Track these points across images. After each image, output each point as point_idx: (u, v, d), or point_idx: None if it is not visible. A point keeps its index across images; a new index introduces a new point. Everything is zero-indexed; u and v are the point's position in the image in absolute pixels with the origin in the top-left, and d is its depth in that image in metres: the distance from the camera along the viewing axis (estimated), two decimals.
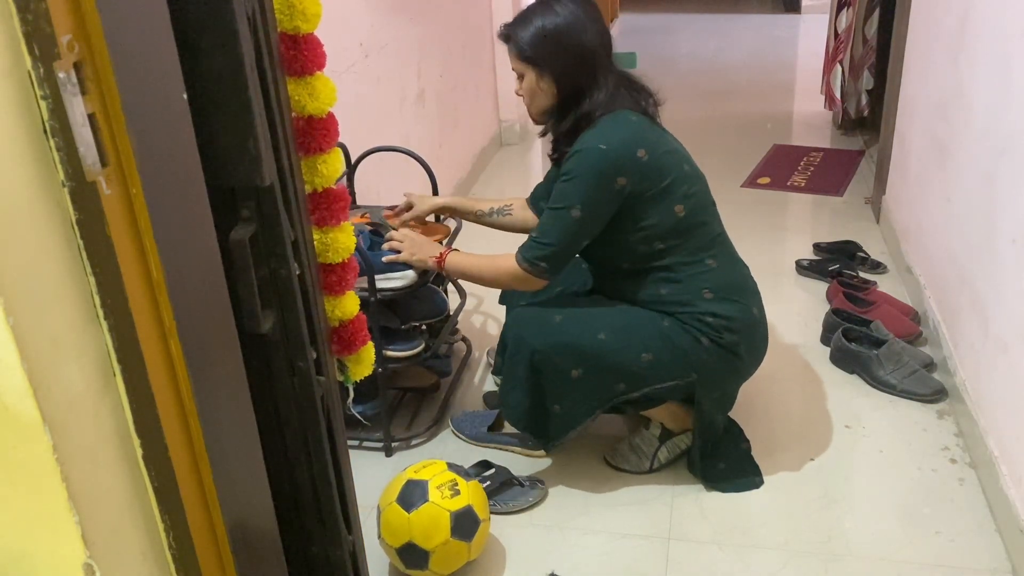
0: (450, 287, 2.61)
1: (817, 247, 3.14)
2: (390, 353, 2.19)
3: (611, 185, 1.84)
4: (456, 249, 2.12)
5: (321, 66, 1.25)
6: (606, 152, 1.84)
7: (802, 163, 3.97)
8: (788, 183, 3.77)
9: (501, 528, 1.98)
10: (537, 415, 2.03)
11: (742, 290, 1.99)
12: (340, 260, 1.35)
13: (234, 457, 1.09)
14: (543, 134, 2.07)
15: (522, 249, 1.94)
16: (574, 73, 1.90)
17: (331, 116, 1.29)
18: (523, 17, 1.93)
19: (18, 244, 0.76)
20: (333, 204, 1.32)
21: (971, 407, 2.12)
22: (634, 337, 1.92)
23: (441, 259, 2.08)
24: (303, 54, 1.21)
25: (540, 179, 2.31)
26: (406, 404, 2.43)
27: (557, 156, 2.01)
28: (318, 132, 1.26)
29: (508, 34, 1.95)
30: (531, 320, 1.99)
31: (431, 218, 2.39)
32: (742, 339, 1.96)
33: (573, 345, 1.92)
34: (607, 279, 2.03)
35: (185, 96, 0.95)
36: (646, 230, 1.90)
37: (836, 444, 2.20)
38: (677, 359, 1.92)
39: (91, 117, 0.79)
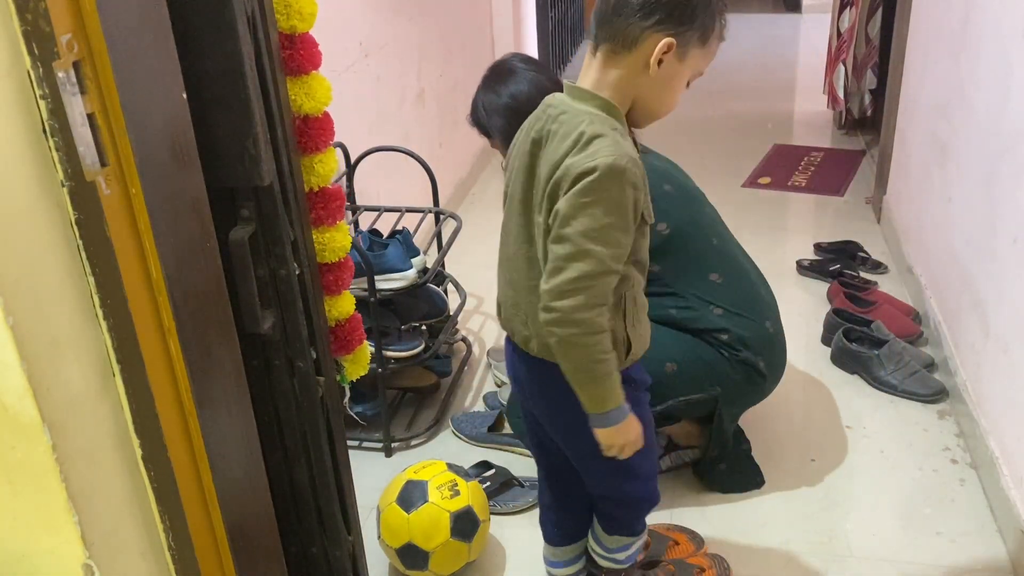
0: (450, 287, 2.61)
1: (818, 247, 3.14)
2: (390, 353, 2.19)
3: None
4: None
5: (317, 65, 1.24)
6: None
7: (803, 163, 3.96)
8: (789, 183, 3.77)
9: (501, 528, 1.97)
10: None
11: (752, 305, 1.96)
12: (336, 260, 1.35)
13: (234, 457, 1.09)
14: None
15: None
16: (514, 131, 1.92)
17: (327, 115, 1.28)
18: (473, 102, 2.00)
19: (18, 244, 0.76)
20: (329, 204, 1.31)
21: (972, 407, 2.12)
22: (657, 347, 1.90)
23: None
24: (299, 53, 1.21)
25: None
26: (406, 404, 2.43)
27: None
28: (314, 131, 1.26)
29: (471, 121, 2.02)
30: None
31: None
32: (760, 356, 1.94)
33: None
34: None
35: (185, 96, 0.95)
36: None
37: (837, 444, 2.20)
38: (701, 371, 1.89)
39: (90, 117, 0.79)
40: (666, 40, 1.23)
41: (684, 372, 1.89)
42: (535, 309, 1.32)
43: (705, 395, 1.92)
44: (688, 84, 1.32)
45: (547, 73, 1.98)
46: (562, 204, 1.25)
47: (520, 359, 1.46)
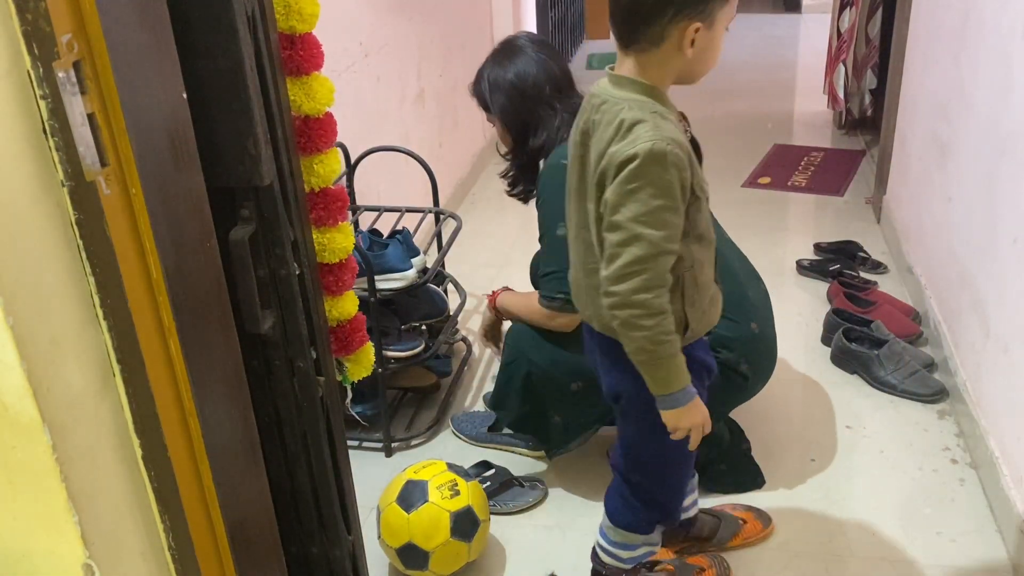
0: (450, 287, 2.61)
1: (818, 247, 3.14)
2: (390, 353, 2.19)
3: None
4: (507, 288, 2.13)
5: (318, 66, 1.24)
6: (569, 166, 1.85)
7: (803, 163, 3.96)
8: (789, 183, 3.77)
9: (501, 528, 1.97)
10: (536, 421, 2.03)
11: (737, 306, 1.95)
12: (337, 260, 1.35)
13: (234, 457, 1.09)
14: (503, 175, 2.11)
15: (539, 291, 1.93)
16: (515, 111, 1.95)
17: (329, 116, 1.28)
18: (478, 73, 2.03)
19: (18, 244, 0.76)
20: (331, 204, 1.31)
21: (972, 407, 2.12)
22: None
23: (492, 298, 2.13)
24: (299, 54, 1.21)
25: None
26: (406, 404, 2.43)
27: (517, 193, 2.07)
28: (315, 132, 1.26)
29: (472, 91, 2.05)
30: (529, 334, 1.98)
31: None
32: (742, 358, 1.93)
33: (571, 358, 1.92)
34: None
35: (185, 96, 0.95)
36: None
37: (837, 444, 2.20)
38: None
39: (90, 117, 0.79)
40: (693, 26, 1.26)
41: None
42: (593, 290, 1.41)
43: None
44: (727, 29, 1.33)
45: (557, 59, 1.98)
46: (609, 193, 1.30)
47: (588, 332, 1.53)
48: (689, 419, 1.40)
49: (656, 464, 1.55)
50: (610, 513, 1.64)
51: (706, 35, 1.28)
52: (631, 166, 1.26)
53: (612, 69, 1.36)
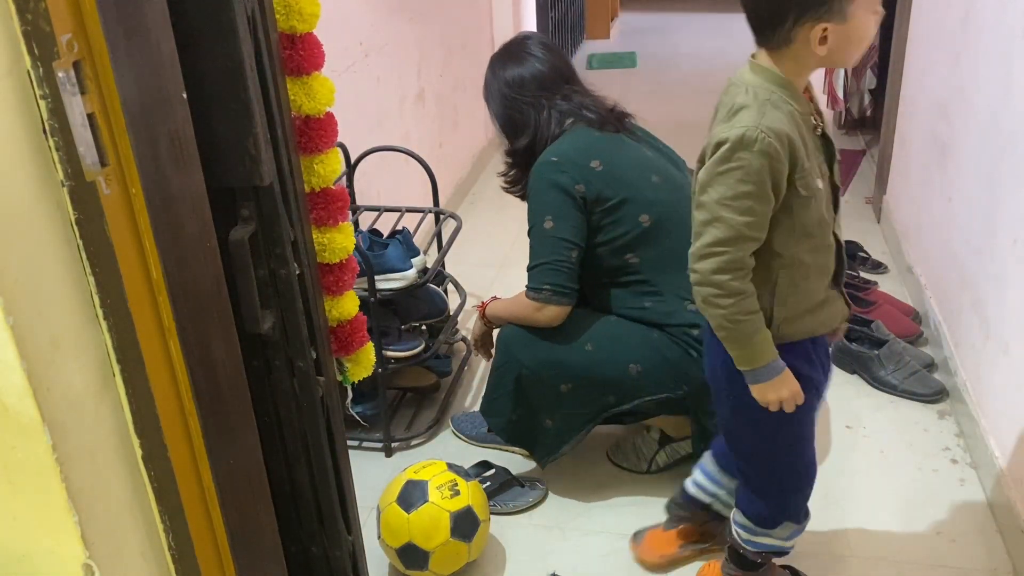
0: (450, 287, 2.61)
1: None
2: (390, 353, 2.19)
3: (570, 191, 1.86)
4: (496, 297, 2.14)
5: (318, 66, 1.24)
6: (558, 163, 1.88)
7: None
8: None
9: (501, 528, 1.97)
10: (526, 428, 2.02)
11: None
12: (338, 260, 1.34)
13: (234, 457, 1.09)
14: (503, 173, 2.12)
15: (527, 284, 1.94)
16: (504, 112, 2.01)
17: (329, 116, 1.28)
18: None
19: (18, 244, 0.76)
20: (331, 204, 1.31)
21: (972, 407, 2.12)
22: (621, 348, 1.91)
23: (482, 308, 2.15)
24: (299, 54, 1.21)
25: None
26: (406, 404, 2.43)
27: (516, 190, 2.09)
28: (315, 132, 1.26)
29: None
30: (519, 336, 1.98)
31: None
32: None
33: (561, 359, 1.92)
34: (592, 294, 2.02)
35: (185, 96, 0.95)
36: (613, 241, 1.90)
37: (837, 444, 2.20)
38: (666, 371, 1.89)
39: (90, 117, 0.79)
40: (820, 27, 1.26)
41: (649, 373, 1.89)
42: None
43: (672, 395, 1.92)
44: (877, 11, 1.31)
45: (558, 61, 2.01)
46: (702, 172, 1.33)
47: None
48: (775, 392, 1.41)
49: (757, 451, 1.56)
50: (736, 501, 1.66)
51: (840, 31, 1.27)
52: (723, 149, 1.29)
53: (754, 57, 1.38)
